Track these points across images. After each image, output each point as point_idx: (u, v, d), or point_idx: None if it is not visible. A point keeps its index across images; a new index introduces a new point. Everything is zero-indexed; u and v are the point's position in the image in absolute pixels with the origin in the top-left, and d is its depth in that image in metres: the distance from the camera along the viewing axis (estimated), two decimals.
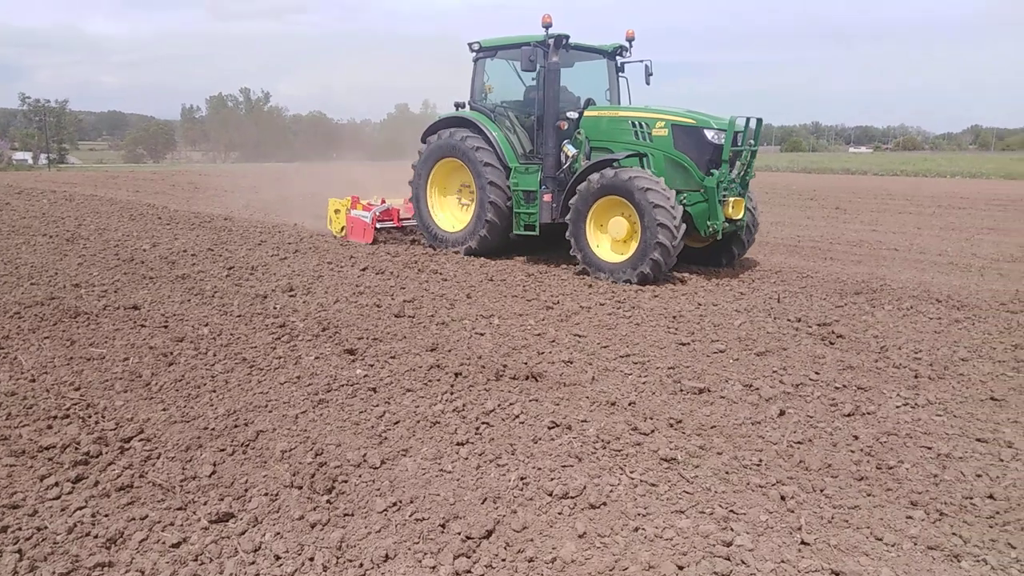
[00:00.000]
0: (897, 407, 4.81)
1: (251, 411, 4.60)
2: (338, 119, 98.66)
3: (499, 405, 4.68)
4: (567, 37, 9.70)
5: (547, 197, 9.76)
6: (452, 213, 11.07)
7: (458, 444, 4.15)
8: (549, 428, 4.36)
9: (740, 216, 9.08)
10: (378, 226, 11.62)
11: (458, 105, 11.16)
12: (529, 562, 3.06)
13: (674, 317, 7.10)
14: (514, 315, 7.09)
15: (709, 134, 8.78)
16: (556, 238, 10.17)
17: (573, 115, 9.85)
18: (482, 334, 6.35)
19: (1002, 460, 3.99)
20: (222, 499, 3.56)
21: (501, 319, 6.91)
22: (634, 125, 9.38)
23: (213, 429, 4.32)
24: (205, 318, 6.76)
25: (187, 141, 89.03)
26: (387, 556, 3.10)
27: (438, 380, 5.14)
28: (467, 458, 3.99)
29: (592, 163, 9.24)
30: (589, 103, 10.24)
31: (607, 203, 8.90)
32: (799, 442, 4.25)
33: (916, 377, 5.43)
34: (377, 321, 6.72)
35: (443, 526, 3.32)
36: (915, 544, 3.17)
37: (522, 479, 3.73)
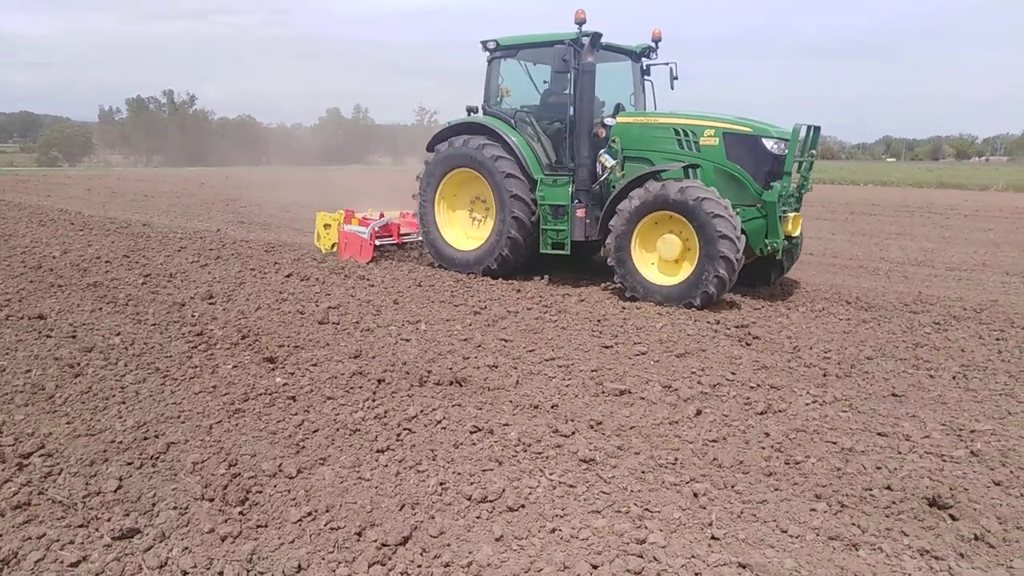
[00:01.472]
0: (806, 404, 5.00)
1: (162, 423, 4.44)
2: (268, 123, 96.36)
3: (421, 411, 4.66)
4: (601, 35, 8.74)
5: (580, 212, 8.79)
6: (463, 230, 9.88)
7: (378, 451, 4.11)
8: (471, 433, 4.36)
9: (797, 233, 8.45)
10: (377, 243, 10.41)
11: (470, 110, 9.95)
12: (445, 567, 3.05)
13: (599, 321, 7.21)
14: (441, 320, 7.07)
15: (768, 144, 7.97)
16: (579, 256, 9.51)
17: (611, 121, 8.88)
18: (408, 340, 6.30)
19: (900, 453, 4.20)
20: (127, 514, 3.43)
21: (428, 325, 6.88)
22: (678, 133, 8.45)
23: (120, 442, 4.15)
24: (117, 327, 6.49)
25: (106, 144, 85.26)
26: (300, 567, 3.04)
27: (360, 387, 5.08)
28: (387, 465, 3.95)
29: (638, 175, 8.24)
30: (619, 108, 9.44)
31: (655, 220, 7.95)
32: (714, 440, 4.37)
33: (825, 375, 5.66)
34: (300, 328, 6.59)
35: (359, 534, 3.28)
36: (817, 535, 3.31)
37: (441, 484, 3.72)
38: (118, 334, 6.24)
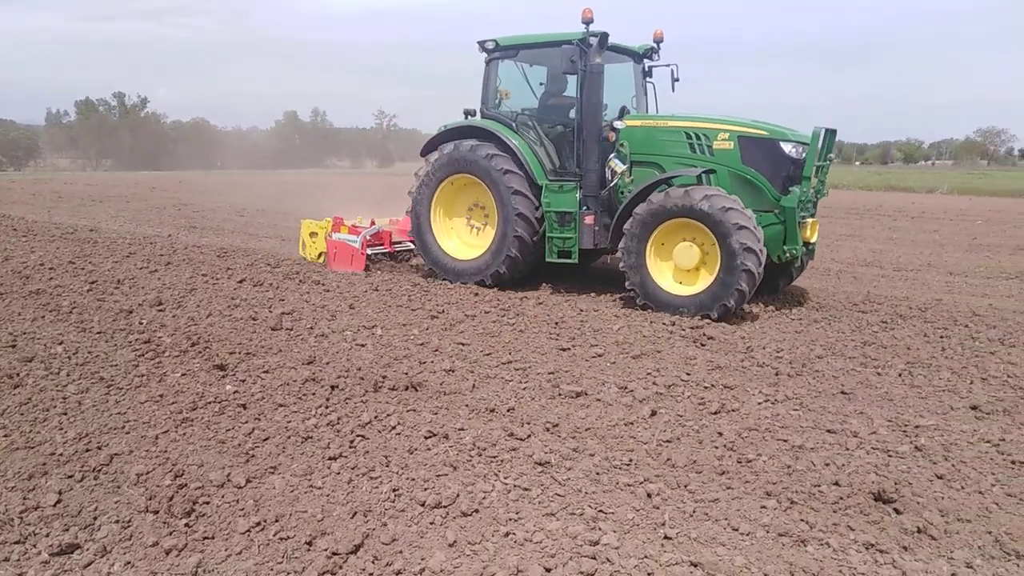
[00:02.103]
0: (759, 403, 5.08)
1: (105, 433, 4.31)
2: (222, 126, 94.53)
3: (376, 417, 4.60)
4: (608, 36, 8.44)
5: (588, 219, 8.45)
6: (461, 238, 9.50)
7: (330, 459, 4.04)
8: (426, 438, 4.32)
9: (815, 239, 8.21)
10: (368, 252, 9.92)
11: (467, 113, 9.58)
12: (397, 574, 3.01)
13: (556, 323, 7.23)
14: (398, 325, 7.00)
15: (786, 148, 7.79)
16: (582, 264, 9.23)
17: (620, 124, 8.54)
18: (363, 345, 6.23)
19: (848, 449, 4.29)
20: (67, 529, 3.31)
21: (384, 329, 6.81)
22: (689, 137, 8.18)
23: (61, 455, 4.01)
24: (60, 336, 6.27)
25: (53, 148, 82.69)
26: None
27: (313, 394, 4.99)
28: (339, 472, 3.88)
29: (652, 181, 7.99)
30: (624, 111, 9.12)
31: (671, 227, 7.67)
32: (668, 440, 4.41)
33: (777, 375, 5.76)
34: (252, 335, 6.46)
35: (309, 543, 3.22)
36: (767, 532, 3.35)
37: (394, 491, 3.67)
38: (61, 343, 6.04)
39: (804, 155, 7.77)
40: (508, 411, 4.82)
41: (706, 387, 5.39)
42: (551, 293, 8.83)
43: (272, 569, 3.05)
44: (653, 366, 5.85)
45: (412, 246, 10.06)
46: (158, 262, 10.11)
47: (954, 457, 4.18)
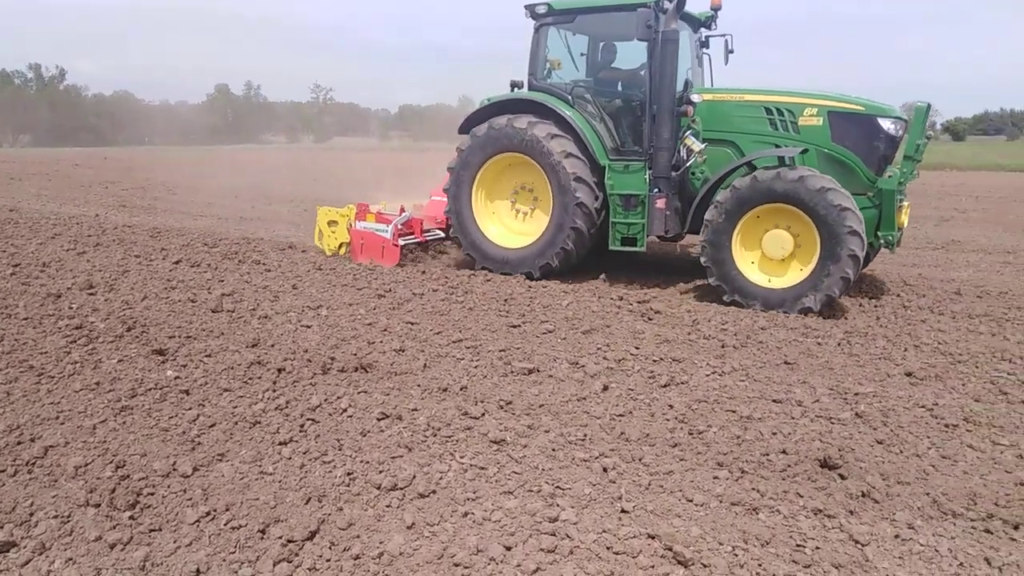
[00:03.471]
0: (707, 375, 5.17)
1: (38, 425, 4.09)
2: (149, 100, 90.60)
3: (326, 399, 4.50)
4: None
5: (660, 203, 7.73)
6: (505, 224, 8.66)
7: (280, 444, 3.94)
8: (378, 420, 4.25)
9: (905, 224, 7.59)
10: (400, 242, 8.91)
11: (514, 84, 8.69)
12: (355, 559, 2.96)
13: (506, 300, 7.20)
14: (344, 305, 6.87)
15: (885, 124, 7.18)
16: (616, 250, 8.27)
17: (697, 99, 7.72)
18: (309, 326, 6.08)
19: (793, 418, 4.41)
20: (1, 527, 3.14)
21: (330, 310, 6.66)
22: (770, 112, 7.54)
23: None
24: None
25: None
26: (199, 570, 2.88)
27: (259, 377, 4.85)
28: (290, 458, 3.79)
29: (741, 161, 7.41)
30: (688, 85, 8.17)
31: (762, 213, 7.03)
32: (621, 415, 4.45)
33: (723, 347, 5.88)
34: (192, 317, 6.23)
35: (262, 532, 3.14)
36: (720, 502, 3.43)
37: (349, 474, 3.61)
38: None
39: (901, 133, 7.28)
40: (461, 390, 4.78)
41: (655, 361, 5.47)
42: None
43: (224, 560, 2.96)
44: (603, 341, 5.89)
45: (442, 234, 9.36)
46: (86, 243, 9.65)
47: (892, 422, 4.35)
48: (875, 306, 7.30)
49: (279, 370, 4.97)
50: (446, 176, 8.91)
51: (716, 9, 8.49)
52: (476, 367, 5.23)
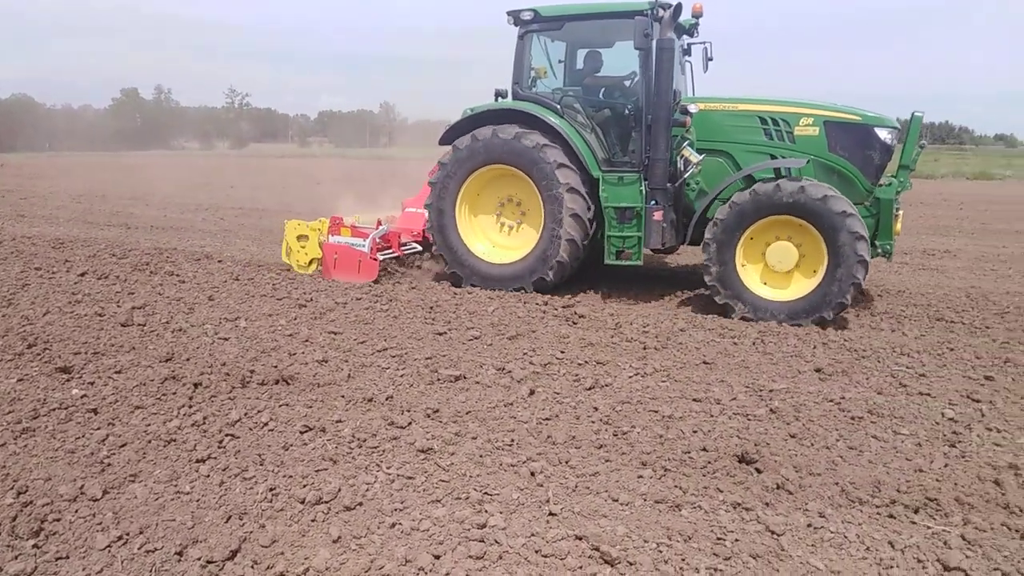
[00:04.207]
0: (630, 377, 5.29)
1: None
2: (51, 104, 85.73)
3: (246, 414, 4.37)
4: (682, 7, 7.54)
5: (657, 215, 7.50)
6: (491, 239, 8.36)
7: (198, 461, 3.80)
8: (301, 433, 4.15)
9: (899, 232, 7.48)
10: (379, 256, 8.53)
11: (499, 94, 8.48)
12: None
13: (431, 308, 7.17)
14: (263, 316, 6.68)
15: (882, 134, 7.18)
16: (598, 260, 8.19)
17: (694, 108, 7.53)
18: (226, 339, 5.89)
19: (712, 416, 4.56)
20: None
21: (248, 321, 6.47)
22: (765, 122, 7.46)
23: None
24: None
25: None
26: None
27: (174, 393, 4.66)
28: (208, 475, 3.66)
29: (742, 172, 7.32)
30: (677, 94, 8.05)
31: (767, 225, 6.94)
32: (547, 418, 4.50)
33: (645, 348, 6.03)
34: (99, 332, 5.93)
35: (180, 554, 3.01)
36: (645, 500, 3.51)
37: (271, 490, 3.51)
38: None
39: (895, 142, 7.28)
40: (387, 399, 4.73)
41: (580, 364, 5.55)
42: (424, 278, 8.72)
43: None
44: (529, 346, 5.94)
45: (419, 247, 9.00)
46: None
47: (803, 416, 4.55)
48: None
49: (195, 385, 4.79)
50: (424, 186, 8.70)
51: (698, 16, 8.29)
52: (402, 376, 5.19)
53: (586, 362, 5.59)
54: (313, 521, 3.28)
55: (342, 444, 4.02)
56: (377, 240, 8.49)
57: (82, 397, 4.54)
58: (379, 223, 8.75)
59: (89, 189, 20.49)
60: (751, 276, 7.09)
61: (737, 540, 3.17)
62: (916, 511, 3.45)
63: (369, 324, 6.54)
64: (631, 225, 7.70)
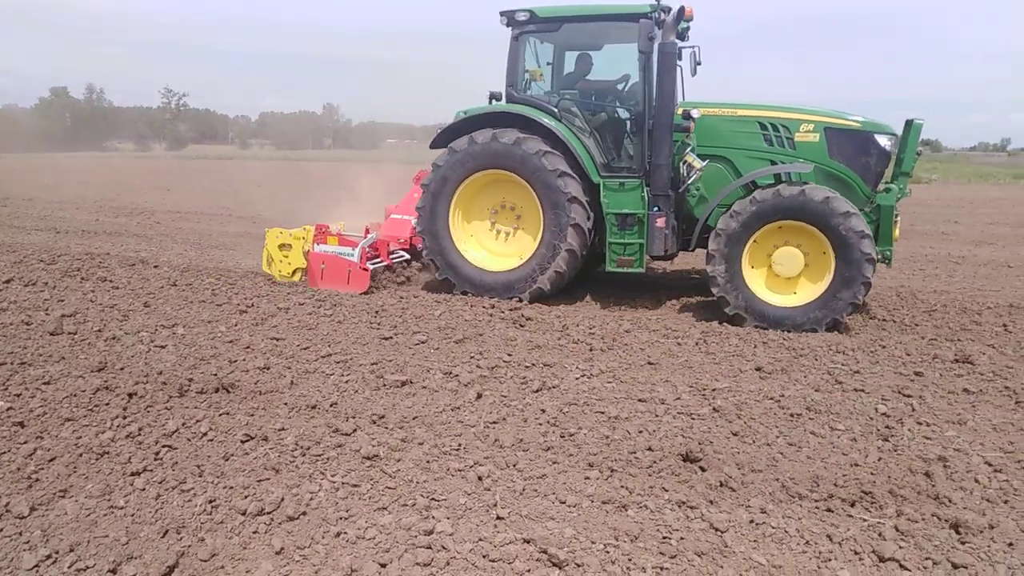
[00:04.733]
0: (576, 379, 5.32)
1: None
2: None
3: (184, 424, 4.23)
4: (684, 8, 7.47)
5: (660, 222, 7.40)
6: (484, 245, 8.13)
7: (133, 474, 3.65)
8: (243, 442, 4.05)
9: (897, 238, 7.40)
10: (369, 266, 8.15)
11: (493, 96, 8.24)
12: None
13: (377, 312, 7.08)
14: (202, 322, 6.49)
15: (882, 140, 7.19)
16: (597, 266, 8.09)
17: (697, 114, 7.42)
18: (163, 347, 5.69)
19: (657, 416, 4.63)
20: None
21: (187, 328, 6.27)
22: (765, 128, 7.41)
23: None
24: None
25: None
26: None
27: (107, 404, 4.48)
28: (144, 489, 3.52)
29: (752, 176, 7.25)
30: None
31: (772, 231, 6.91)
32: (494, 422, 4.49)
33: (591, 350, 6.08)
34: (26, 342, 5.65)
35: (113, 571, 2.90)
36: (592, 501, 3.53)
37: (211, 502, 3.40)
38: None
39: (894, 149, 7.31)
40: (331, 406, 4.65)
41: (527, 366, 5.56)
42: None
43: None
44: (476, 349, 5.92)
45: (407, 256, 8.80)
46: None
47: (745, 415, 4.66)
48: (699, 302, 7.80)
49: (130, 395, 4.61)
50: (409, 192, 8.47)
51: (688, 20, 8.04)
52: (347, 382, 5.10)
53: (533, 364, 5.60)
54: (255, 533, 3.19)
55: (285, 453, 3.93)
56: (366, 249, 8.19)
57: (7, 410, 4.32)
58: (367, 231, 8.44)
59: (14, 192, 19.59)
60: (757, 283, 7.03)
61: (682, 538, 3.22)
62: (852, 504, 3.55)
63: (313, 329, 6.42)
64: (632, 232, 7.56)
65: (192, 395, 4.72)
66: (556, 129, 7.56)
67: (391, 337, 6.23)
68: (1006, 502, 3.56)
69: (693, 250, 7.83)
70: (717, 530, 3.29)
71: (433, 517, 3.32)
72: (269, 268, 8.56)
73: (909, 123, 7.29)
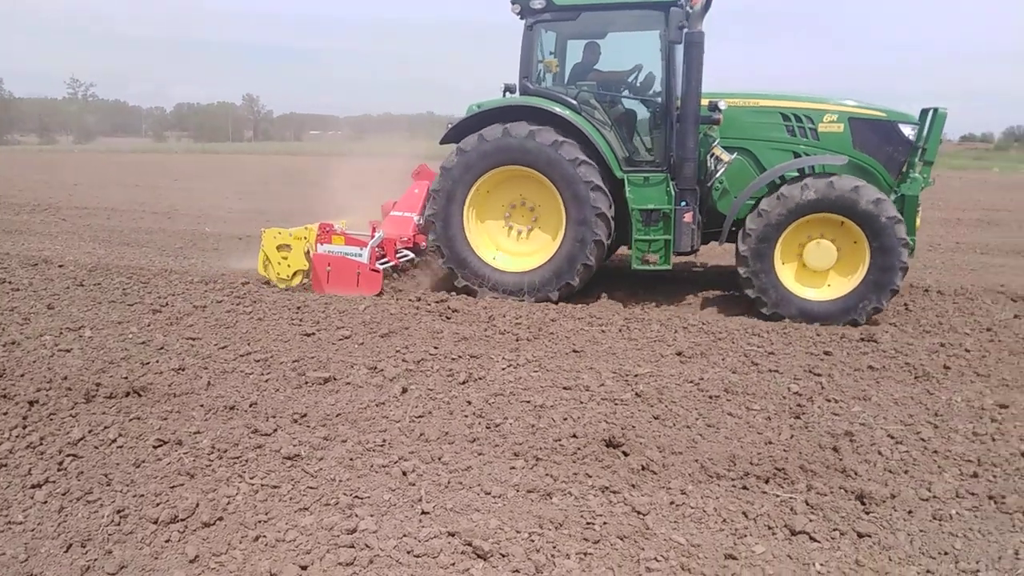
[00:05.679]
0: (503, 369, 5.33)
1: None
2: None
3: (90, 431, 4.03)
4: None
5: (688, 217, 7.19)
6: (500, 246, 7.81)
7: (33, 487, 3.46)
8: (155, 447, 3.88)
9: (919, 226, 7.31)
10: (379, 267, 7.67)
11: (507, 89, 7.97)
12: None
13: (298, 308, 6.90)
14: (111, 324, 6.19)
15: (907, 130, 7.13)
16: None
17: (724, 105, 7.20)
18: (68, 350, 5.40)
19: (581, 402, 4.68)
20: None
21: (95, 330, 5.97)
22: (787, 118, 7.29)
23: None
24: None
25: None
26: None
27: (4, 413, 4.21)
28: (46, 501, 3.34)
29: (779, 170, 7.07)
30: None
31: (800, 225, 6.82)
32: (420, 416, 4.45)
33: (517, 340, 6.10)
34: None
35: None
36: (517, 491, 3.54)
37: (119, 512, 3.25)
38: None
39: (917, 138, 7.23)
40: (250, 406, 4.51)
41: (454, 359, 5.53)
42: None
43: None
44: (402, 343, 5.85)
45: (411, 255, 8.43)
46: None
47: (666, 398, 4.76)
48: (648, 293, 7.97)
49: (31, 403, 4.36)
50: (408, 189, 8.24)
51: (693, 7, 7.64)
52: (267, 381, 4.96)
53: (460, 356, 5.58)
54: (167, 541, 3.07)
55: (201, 456, 3.79)
56: (376, 249, 7.76)
57: None
58: (374, 230, 7.94)
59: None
60: (789, 279, 6.97)
61: (605, 523, 3.27)
62: (767, 481, 3.69)
63: (231, 328, 6.22)
64: (657, 227, 7.32)
65: (100, 400, 4.50)
66: (577, 122, 7.28)
67: (313, 333, 6.10)
68: (906, 472, 3.76)
69: (722, 244, 7.65)
70: (639, 513, 3.35)
71: (356, 515, 3.27)
72: (265, 271, 7.97)
73: (933, 111, 7.20)
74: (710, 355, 5.76)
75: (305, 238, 7.71)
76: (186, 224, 13.66)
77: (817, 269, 6.90)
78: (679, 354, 5.75)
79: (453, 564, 2.95)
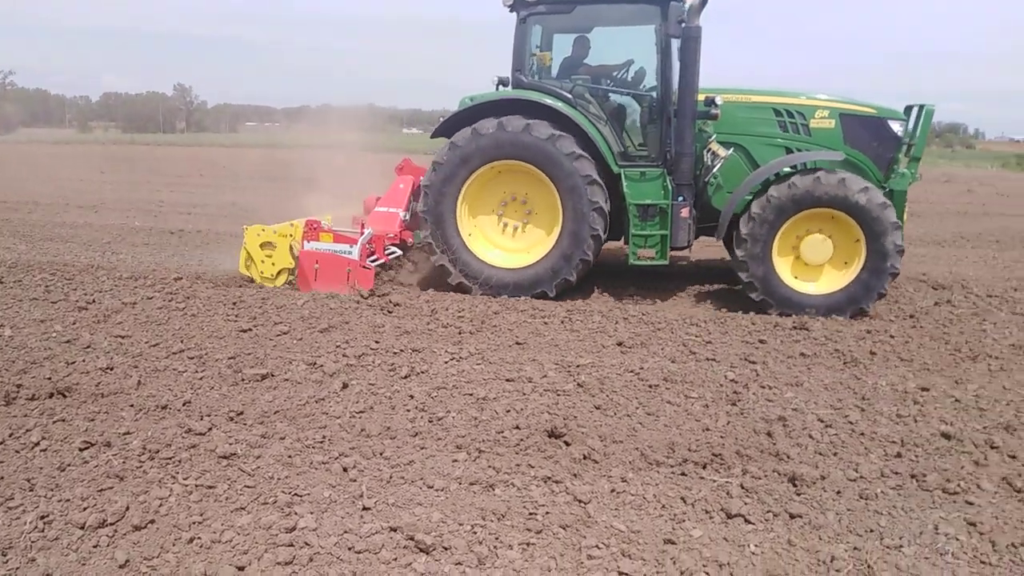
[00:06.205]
0: (445, 362, 5.31)
1: None
2: None
3: (11, 435, 3.85)
4: None
5: (685, 212, 7.20)
6: (493, 242, 7.70)
7: None
8: (81, 450, 3.73)
9: (905, 222, 7.37)
10: (368, 263, 7.52)
11: (501, 82, 7.87)
12: None
13: (235, 303, 6.72)
14: (34, 322, 5.91)
15: (895, 126, 7.24)
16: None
17: (720, 100, 7.16)
18: None
19: (524, 394, 4.70)
20: None
21: (15, 329, 5.69)
22: (780, 114, 7.35)
23: None
24: None
25: None
26: None
27: None
28: None
29: (775, 166, 7.07)
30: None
31: (803, 219, 6.89)
32: (361, 411, 4.39)
33: (460, 333, 6.08)
34: None
35: None
36: (460, 484, 3.53)
37: (43, 518, 3.11)
38: None
39: (905, 134, 7.34)
40: (184, 405, 4.37)
41: (395, 353, 5.48)
42: (228, 271, 8.15)
43: None
44: (342, 338, 5.76)
45: (399, 251, 8.12)
46: None
47: (607, 388, 4.83)
48: (593, 285, 8.06)
49: None
50: (393, 184, 8.05)
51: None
52: (201, 379, 4.82)
53: (402, 350, 5.53)
54: (95, 547, 2.95)
55: (131, 458, 3.66)
56: (366, 245, 7.59)
57: None
58: (363, 226, 7.77)
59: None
60: (784, 270, 7.05)
61: (548, 513, 3.29)
62: (704, 467, 3.78)
63: (163, 325, 6.01)
64: (654, 223, 7.29)
65: (21, 402, 4.29)
66: (575, 117, 7.24)
67: (250, 329, 5.95)
68: (835, 454, 3.91)
69: (719, 239, 7.68)
70: (580, 502, 3.39)
71: (296, 513, 3.21)
72: (248, 270, 7.74)
73: (919, 108, 7.30)
74: (650, 345, 5.86)
75: (290, 235, 7.53)
76: (114, 218, 13.14)
77: (812, 263, 7.01)
78: (620, 344, 5.83)
79: (395, 559, 2.93)
